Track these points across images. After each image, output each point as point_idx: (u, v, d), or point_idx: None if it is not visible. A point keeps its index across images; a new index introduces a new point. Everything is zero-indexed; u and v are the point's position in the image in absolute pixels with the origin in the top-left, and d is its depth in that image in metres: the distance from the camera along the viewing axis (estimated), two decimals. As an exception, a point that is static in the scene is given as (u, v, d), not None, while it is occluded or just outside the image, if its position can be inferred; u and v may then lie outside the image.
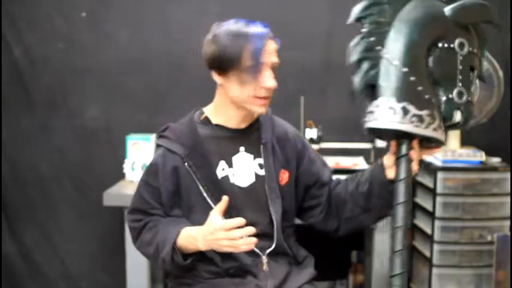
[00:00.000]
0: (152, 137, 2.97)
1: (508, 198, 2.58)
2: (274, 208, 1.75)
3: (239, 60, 1.63)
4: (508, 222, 2.59)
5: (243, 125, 1.77)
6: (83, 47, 3.13)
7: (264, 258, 1.74)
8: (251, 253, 1.70)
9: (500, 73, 2.68)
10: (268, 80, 1.66)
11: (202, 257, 1.71)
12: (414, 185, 2.83)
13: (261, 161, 1.77)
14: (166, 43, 3.12)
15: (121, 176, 2.96)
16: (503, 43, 3.02)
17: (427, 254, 2.65)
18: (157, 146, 1.81)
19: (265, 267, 1.74)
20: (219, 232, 1.56)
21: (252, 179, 1.75)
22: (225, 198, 1.61)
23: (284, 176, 1.79)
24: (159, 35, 3.12)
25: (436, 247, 2.60)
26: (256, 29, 1.67)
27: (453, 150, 2.69)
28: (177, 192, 1.73)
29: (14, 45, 3.12)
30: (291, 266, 1.79)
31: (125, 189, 2.80)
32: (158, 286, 3.06)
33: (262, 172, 1.76)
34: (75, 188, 3.19)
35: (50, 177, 3.19)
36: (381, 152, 2.52)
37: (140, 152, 2.94)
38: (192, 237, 1.64)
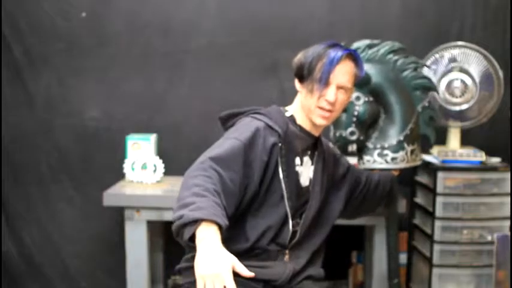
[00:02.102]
0: (152, 137, 2.98)
1: (508, 198, 2.58)
2: (309, 209, 1.92)
3: (312, 71, 1.85)
4: (508, 222, 2.59)
5: (316, 133, 1.95)
6: (83, 47, 3.13)
7: (287, 251, 1.88)
8: (278, 243, 1.85)
9: (500, 73, 2.69)
10: (330, 94, 1.84)
11: (233, 234, 1.73)
12: (414, 185, 2.83)
13: (312, 167, 1.95)
14: (166, 43, 3.12)
15: (121, 176, 2.97)
16: (503, 43, 3.01)
17: (427, 254, 2.65)
18: (253, 119, 1.84)
19: (287, 257, 1.89)
20: (220, 278, 1.48)
21: (307, 182, 1.94)
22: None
23: (324, 187, 1.99)
24: (159, 35, 3.12)
25: (436, 247, 2.60)
26: (338, 49, 1.87)
27: (453, 150, 2.69)
28: (266, 168, 1.79)
29: (14, 45, 3.12)
30: (309, 261, 1.95)
31: (125, 189, 2.80)
32: (158, 286, 3.06)
33: (312, 176, 1.96)
34: (75, 188, 3.19)
35: (50, 177, 3.19)
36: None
37: (140, 152, 2.94)
38: (210, 241, 1.51)
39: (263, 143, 1.77)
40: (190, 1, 3.12)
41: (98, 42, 3.13)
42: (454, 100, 2.69)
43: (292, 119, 1.92)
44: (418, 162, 2.45)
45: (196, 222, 1.50)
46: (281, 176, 1.82)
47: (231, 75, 3.11)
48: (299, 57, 1.91)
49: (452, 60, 2.70)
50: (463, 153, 2.66)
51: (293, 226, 1.87)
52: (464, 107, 2.70)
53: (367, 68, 2.30)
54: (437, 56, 2.70)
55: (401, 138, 2.37)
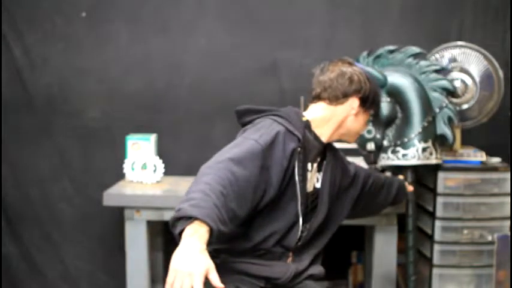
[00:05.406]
0: (152, 137, 2.98)
1: (508, 198, 2.58)
2: (316, 217, 1.94)
3: (377, 106, 2.10)
4: (508, 222, 2.59)
5: (325, 140, 1.97)
6: (83, 47, 3.13)
7: (291, 253, 1.89)
8: (283, 246, 1.86)
9: (501, 73, 2.69)
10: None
11: (235, 233, 1.73)
12: (414, 185, 2.82)
13: (319, 175, 1.97)
14: (166, 43, 3.12)
15: (121, 176, 2.96)
16: (503, 43, 3.01)
17: (428, 254, 2.65)
18: (274, 122, 1.82)
19: (290, 259, 1.90)
20: (191, 277, 1.45)
21: (311, 188, 1.94)
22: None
23: (330, 195, 2.00)
24: (159, 35, 3.12)
25: (436, 247, 2.60)
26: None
27: (454, 150, 2.69)
28: (285, 173, 1.78)
29: (14, 45, 3.12)
30: (311, 262, 1.97)
31: (125, 189, 2.80)
32: (158, 286, 3.06)
33: (318, 185, 1.97)
34: (75, 188, 3.19)
35: (50, 177, 3.19)
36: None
37: (140, 152, 2.94)
38: (194, 239, 1.47)
39: (283, 149, 1.77)
40: (190, 1, 3.12)
41: (98, 42, 3.13)
42: (455, 100, 2.68)
43: (308, 124, 1.92)
44: (434, 161, 2.53)
45: (190, 218, 1.48)
46: (297, 180, 1.81)
47: (231, 75, 3.11)
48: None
49: (453, 60, 2.70)
50: (463, 153, 2.66)
51: (301, 230, 1.88)
52: (465, 107, 2.69)
53: (388, 71, 2.53)
54: (437, 56, 2.70)
55: (413, 135, 2.50)
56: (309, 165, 1.89)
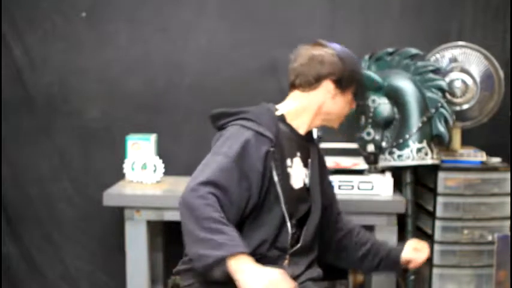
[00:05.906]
0: (152, 137, 2.97)
1: (509, 198, 2.58)
2: (312, 216, 1.91)
3: (357, 85, 1.93)
4: (508, 222, 2.59)
5: (304, 133, 1.91)
6: (83, 47, 3.13)
7: (288, 256, 1.86)
8: (278, 248, 1.84)
9: (501, 73, 2.69)
10: (353, 104, 1.98)
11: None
12: (414, 185, 2.82)
13: (307, 171, 1.92)
14: (166, 43, 3.12)
15: (121, 176, 2.96)
16: (504, 43, 3.01)
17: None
18: (242, 127, 1.80)
19: (286, 262, 1.86)
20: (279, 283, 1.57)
21: (301, 184, 1.90)
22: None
23: (320, 190, 1.97)
24: (159, 35, 3.12)
25: (436, 247, 2.60)
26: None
27: (454, 150, 2.69)
28: (263, 177, 1.76)
29: (14, 45, 3.12)
30: (307, 266, 1.94)
31: (125, 189, 2.80)
32: (158, 286, 3.06)
33: (307, 181, 1.92)
34: (75, 188, 3.18)
35: (50, 177, 3.18)
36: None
37: (140, 152, 2.94)
38: (246, 267, 1.57)
39: (256, 153, 1.74)
40: (190, 1, 3.12)
41: (98, 42, 3.13)
42: (455, 100, 2.69)
43: (282, 118, 1.87)
44: (429, 161, 2.56)
45: (223, 260, 1.55)
46: (276, 179, 1.78)
47: (231, 75, 3.11)
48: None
49: (453, 60, 2.70)
50: (463, 153, 2.66)
51: (292, 228, 1.84)
52: (465, 107, 2.70)
53: (386, 73, 2.58)
54: (438, 56, 2.71)
55: (407, 136, 2.54)
56: (289, 160, 1.84)
